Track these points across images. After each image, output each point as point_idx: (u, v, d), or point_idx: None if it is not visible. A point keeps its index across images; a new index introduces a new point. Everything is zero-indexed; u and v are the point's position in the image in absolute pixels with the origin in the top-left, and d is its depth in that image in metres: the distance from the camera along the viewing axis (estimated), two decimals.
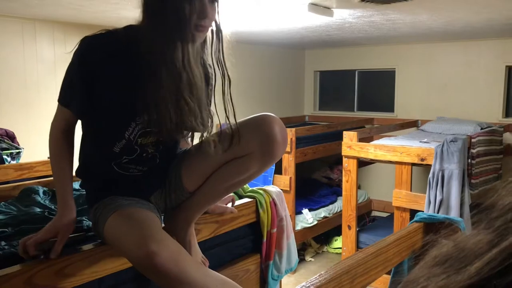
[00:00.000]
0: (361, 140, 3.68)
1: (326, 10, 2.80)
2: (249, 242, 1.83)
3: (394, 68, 5.13)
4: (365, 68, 5.39)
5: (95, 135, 1.32)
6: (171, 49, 1.15)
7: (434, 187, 3.16)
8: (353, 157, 3.60)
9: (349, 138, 3.61)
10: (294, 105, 5.76)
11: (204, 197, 1.40)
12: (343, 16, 3.10)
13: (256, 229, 1.81)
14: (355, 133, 3.61)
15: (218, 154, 1.31)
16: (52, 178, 1.81)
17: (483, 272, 0.40)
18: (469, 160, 3.36)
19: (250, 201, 1.77)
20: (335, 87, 5.86)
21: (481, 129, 3.96)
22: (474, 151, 3.39)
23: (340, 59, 5.51)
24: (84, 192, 1.50)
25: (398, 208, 3.43)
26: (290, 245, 1.88)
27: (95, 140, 1.32)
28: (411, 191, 3.41)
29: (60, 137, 1.30)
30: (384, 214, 5.08)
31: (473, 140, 3.44)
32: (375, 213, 5.32)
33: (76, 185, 1.86)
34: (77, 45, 1.23)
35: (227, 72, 1.25)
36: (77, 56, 1.22)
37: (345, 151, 3.62)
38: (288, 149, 3.93)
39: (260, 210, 1.78)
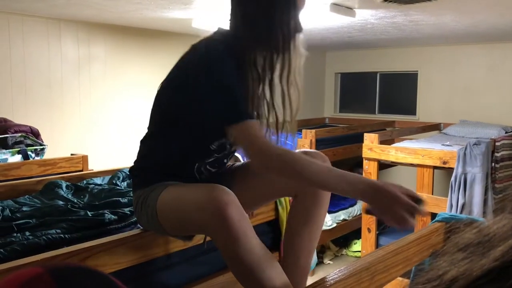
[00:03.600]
0: (382, 142, 3.64)
1: (348, 10, 2.79)
2: (268, 240, 1.83)
3: (417, 71, 5.07)
4: (387, 70, 5.34)
5: (195, 133, 1.31)
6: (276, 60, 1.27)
7: (456, 191, 3.11)
8: (374, 160, 3.56)
9: (370, 140, 3.58)
10: (314, 107, 5.74)
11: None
12: (365, 16, 3.08)
13: (275, 227, 1.81)
14: (376, 135, 3.58)
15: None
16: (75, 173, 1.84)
17: (508, 255, 0.39)
18: (493, 164, 3.29)
19: None
20: (356, 89, 5.82)
21: (506, 132, 3.88)
22: (498, 154, 3.33)
23: (361, 61, 5.47)
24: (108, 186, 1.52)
25: None
26: None
27: (192, 138, 1.32)
28: (432, 194, 3.36)
29: (280, 151, 1.20)
30: None
31: (497, 143, 3.37)
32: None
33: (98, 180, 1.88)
34: (207, 51, 1.24)
35: None
36: (219, 61, 1.22)
37: (365, 153, 3.59)
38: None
39: (279, 208, 1.78)
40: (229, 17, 1.32)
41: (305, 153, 1.36)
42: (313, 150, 1.44)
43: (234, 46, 1.26)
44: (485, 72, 4.61)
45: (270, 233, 1.82)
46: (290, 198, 1.83)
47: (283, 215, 1.78)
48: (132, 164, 1.41)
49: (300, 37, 1.33)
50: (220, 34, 1.31)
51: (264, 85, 1.30)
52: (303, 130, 4.04)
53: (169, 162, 1.35)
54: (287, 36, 1.26)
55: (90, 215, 1.42)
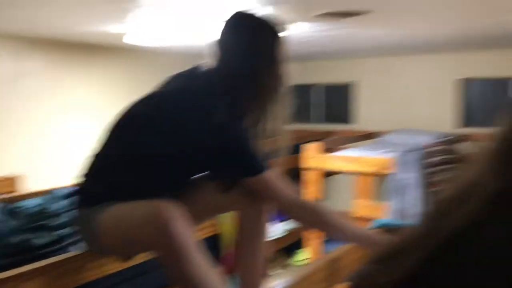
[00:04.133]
0: (323, 151, 3.72)
1: (285, 24, 2.85)
2: (209, 255, 1.81)
3: (355, 81, 5.25)
4: (326, 81, 5.49)
5: (177, 172, 1.37)
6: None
7: (394, 196, 3.22)
8: (316, 169, 3.63)
9: (313, 150, 3.65)
10: None
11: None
12: (302, 30, 3.16)
13: (216, 242, 1.79)
14: (318, 144, 3.66)
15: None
16: None
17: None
18: (428, 169, 3.45)
19: None
20: (297, 100, 5.93)
21: (439, 139, 4.09)
22: (432, 160, 3.49)
23: (301, 73, 5.59)
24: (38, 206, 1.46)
25: (359, 217, 3.48)
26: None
27: (170, 175, 1.36)
28: (372, 200, 3.47)
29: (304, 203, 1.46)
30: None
31: (430, 150, 3.54)
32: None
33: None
34: (206, 109, 1.30)
35: None
36: (225, 124, 1.29)
37: (307, 162, 3.65)
38: None
39: (220, 222, 1.77)
40: (217, 49, 1.39)
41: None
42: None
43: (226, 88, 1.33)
44: (419, 82, 4.84)
45: (212, 248, 1.80)
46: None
47: (224, 230, 1.77)
48: (75, 181, 1.36)
49: (285, 89, 1.43)
50: (207, 80, 1.36)
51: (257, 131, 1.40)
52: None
53: (128, 187, 1.31)
54: (273, 89, 1.35)
55: (17, 241, 1.35)
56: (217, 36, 1.38)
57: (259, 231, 1.45)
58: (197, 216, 1.44)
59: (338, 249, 1.33)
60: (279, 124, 1.43)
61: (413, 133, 4.36)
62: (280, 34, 1.41)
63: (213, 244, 1.82)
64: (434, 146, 3.57)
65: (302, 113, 5.85)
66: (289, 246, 4.53)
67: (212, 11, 2.47)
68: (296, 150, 4.21)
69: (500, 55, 4.36)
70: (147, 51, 4.07)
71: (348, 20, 2.73)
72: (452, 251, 0.44)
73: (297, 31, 3.18)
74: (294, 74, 5.36)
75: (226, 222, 1.80)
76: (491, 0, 2.36)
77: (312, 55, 4.87)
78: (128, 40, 3.20)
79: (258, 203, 1.42)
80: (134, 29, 3.03)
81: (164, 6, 2.35)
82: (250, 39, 1.37)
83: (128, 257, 1.39)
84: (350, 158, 3.48)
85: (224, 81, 1.33)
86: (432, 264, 0.44)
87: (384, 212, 3.27)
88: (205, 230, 1.75)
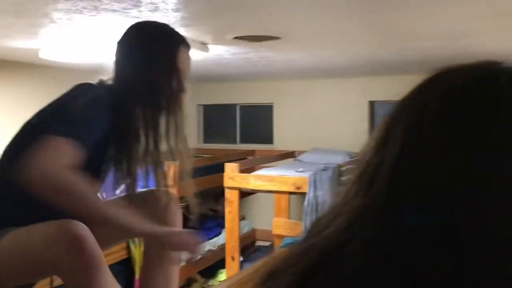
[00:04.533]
0: (242, 171, 3.77)
1: (202, 45, 2.88)
2: (122, 280, 1.76)
3: (273, 103, 5.40)
4: (246, 102, 5.60)
5: None
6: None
7: (309, 214, 3.33)
8: (235, 188, 3.66)
9: (231, 170, 3.68)
10: None
11: None
12: (219, 52, 3.21)
13: (128, 266, 1.75)
14: (237, 164, 3.70)
15: None
16: None
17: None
18: (340, 187, 3.61)
19: None
20: (219, 120, 5.98)
21: (351, 158, 4.30)
22: (344, 178, 3.66)
23: (223, 93, 5.66)
24: None
25: (278, 236, 3.55)
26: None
27: None
28: (290, 218, 3.55)
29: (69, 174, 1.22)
30: (268, 243, 5.21)
31: (342, 168, 3.71)
32: (259, 243, 5.43)
33: None
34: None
35: None
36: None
37: (227, 182, 3.67)
38: (171, 182, 3.89)
39: (132, 246, 1.73)
40: (113, 70, 1.38)
41: (153, 191, 1.38)
42: (161, 188, 1.45)
43: (118, 104, 1.29)
44: (333, 104, 5.08)
45: (124, 272, 1.76)
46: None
47: (136, 254, 1.73)
48: None
49: (184, 96, 1.41)
50: (104, 89, 1.33)
51: (148, 140, 1.34)
52: (166, 163, 4.00)
53: (25, 212, 1.24)
54: (169, 96, 1.33)
55: None
56: (116, 48, 1.37)
57: (165, 256, 1.42)
58: (105, 240, 1.40)
59: (246, 269, 1.35)
60: (181, 135, 1.42)
61: (327, 152, 4.55)
62: (179, 41, 1.39)
63: (124, 268, 1.77)
64: (346, 165, 3.75)
65: (224, 133, 5.90)
66: (210, 267, 4.50)
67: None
68: (220, 169, 4.24)
69: (401, 80, 4.71)
70: (63, 68, 3.92)
71: (262, 44, 2.83)
72: (318, 271, 0.45)
73: (214, 53, 3.23)
74: (215, 95, 5.37)
75: (138, 246, 1.76)
76: (390, 30, 2.56)
77: (233, 76, 4.95)
78: (43, 55, 3.06)
79: (166, 227, 1.40)
80: (49, 45, 2.91)
81: (75, 22, 2.28)
82: (144, 49, 1.35)
83: (29, 285, 1.31)
84: (267, 177, 3.55)
85: (118, 95, 1.31)
86: (304, 284, 0.45)
87: (301, 230, 3.36)
88: (117, 253, 1.70)
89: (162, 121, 1.36)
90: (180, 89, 1.40)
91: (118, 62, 1.37)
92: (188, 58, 1.43)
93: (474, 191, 0.42)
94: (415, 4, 2.01)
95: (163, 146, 1.41)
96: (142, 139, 1.34)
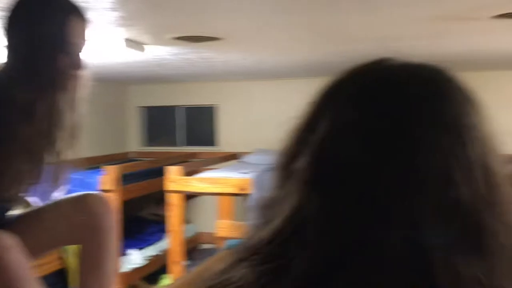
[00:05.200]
0: (186, 174, 3.72)
1: (140, 45, 2.81)
2: None
3: (216, 104, 5.37)
4: (189, 104, 5.54)
5: None
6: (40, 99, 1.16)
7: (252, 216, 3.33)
8: (178, 191, 3.61)
9: (173, 173, 3.62)
10: (118, 142, 5.58)
11: None
12: (160, 52, 3.15)
13: (63, 277, 1.67)
14: (179, 167, 3.64)
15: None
16: None
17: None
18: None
19: None
20: (161, 122, 5.87)
21: None
22: None
23: (165, 95, 5.57)
24: None
25: (222, 238, 3.53)
26: None
27: None
28: (235, 220, 3.55)
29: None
30: (213, 246, 5.18)
31: None
32: (204, 246, 5.38)
33: None
34: None
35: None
36: None
37: (169, 185, 3.61)
38: (111, 187, 3.77)
39: (66, 256, 1.65)
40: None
41: (80, 198, 1.31)
42: (91, 192, 1.39)
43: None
44: (274, 105, 5.13)
45: (58, 284, 1.68)
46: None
47: (70, 263, 1.66)
48: None
49: (83, 73, 1.29)
50: None
51: (25, 134, 1.18)
52: (107, 167, 3.88)
53: None
54: (61, 74, 1.21)
55: None
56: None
57: (100, 264, 1.37)
58: (36, 248, 1.33)
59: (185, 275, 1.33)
60: (73, 120, 1.25)
61: (271, 153, 4.57)
62: (68, 10, 1.21)
63: (59, 279, 1.68)
64: None
65: (167, 136, 5.80)
66: (154, 273, 4.40)
67: None
68: (161, 172, 4.16)
69: None
70: None
71: (202, 44, 2.80)
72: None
73: (155, 54, 3.16)
74: (157, 96, 5.29)
75: (73, 255, 1.68)
76: (325, 33, 2.62)
77: (175, 78, 4.87)
78: None
79: (99, 235, 1.34)
80: None
81: None
82: (23, 20, 1.18)
83: None
84: (210, 180, 3.53)
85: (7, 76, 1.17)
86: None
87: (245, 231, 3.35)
88: (50, 264, 1.62)
89: (45, 106, 1.18)
90: (72, 67, 1.21)
91: (9, 35, 1.21)
92: (82, 30, 1.24)
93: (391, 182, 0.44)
94: (348, 9, 2.06)
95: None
96: (19, 132, 1.16)
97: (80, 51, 1.25)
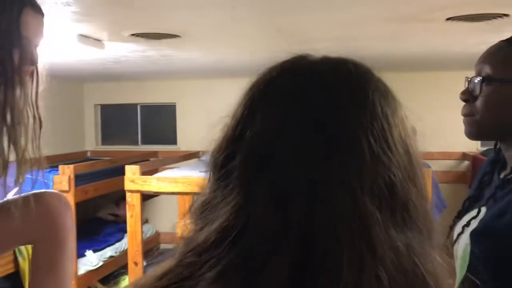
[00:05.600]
0: (146, 173, 3.65)
1: (97, 42, 2.74)
2: None
3: (175, 103, 5.31)
4: (148, 102, 5.45)
5: None
6: None
7: None
8: (137, 191, 3.54)
9: (132, 172, 3.55)
10: (74, 141, 5.42)
11: None
12: (117, 49, 3.08)
13: (16, 280, 1.60)
14: (138, 166, 3.57)
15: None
16: None
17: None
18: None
19: None
20: (118, 121, 5.76)
21: None
22: None
23: (122, 93, 5.45)
24: None
25: (182, 238, 3.49)
26: None
27: None
28: None
29: None
30: (173, 246, 5.12)
31: None
32: (164, 246, 5.31)
33: None
34: None
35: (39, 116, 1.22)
36: None
37: (128, 185, 3.53)
38: (66, 187, 3.66)
39: (20, 258, 1.58)
40: None
41: (36, 195, 1.25)
42: (49, 190, 1.33)
43: None
44: (234, 104, 5.12)
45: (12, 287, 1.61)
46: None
47: (25, 266, 1.60)
48: None
49: (39, 69, 1.24)
50: None
51: None
52: (60, 166, 3.76)
53: None
54: (10, 69, 1.15)
55: None
56: None
57: (57, 265, 1.31)
58: None
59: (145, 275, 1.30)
60: (18, 117, 1.17)
61: None
62: (21, 3, 1.15)
63: (13, 282, 1.62)
64: None
65: (124, 134, 5.68)
66: (112, 274, 4.31)
67: None
68: (121, 172, 4.06)
69: None
70: None
71: (161, 42, 2.76)
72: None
73: (111, 51, 3.09)
74: (114, 94, 5.17)
75: (27, 257, 1.62)
76: (284, 32, 2.64)
77: (133, 75, 4.78)
78: None
79: (57, 234, 1.29)
80: None
81: None
82: None
83: None
84: (170, 179, 3.48)
85: None
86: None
87: None
88: (3, 267, 1.55)
89: None
90: (27, 62, 1.16)
91: None
92: (38, 24, 1.20)
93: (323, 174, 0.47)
94: (305, 9, 2.08)
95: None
96: None
97: (36, 46, 1.21)
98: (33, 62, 1.19)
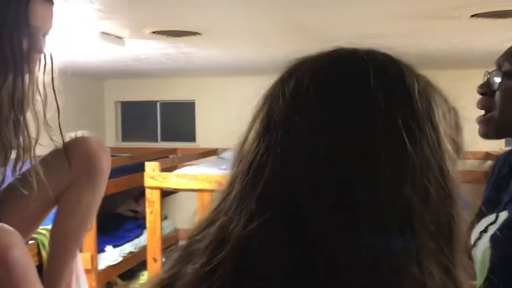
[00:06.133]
0: (164, 170, 3.68)
1: (118, 39, 2.77)
2: None
3: (194, 100, 5.34)
4: (167, 99, 5.49)
5: None
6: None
7: None
8: (156, 188, 3.57)
9: (151, 169, 3.58)
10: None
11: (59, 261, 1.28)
12: (137, 47, 3.10)
13: (40, 274, 1.63)
14: (157, 163, 3.60)
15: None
16: None
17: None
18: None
19: (31, 244, 1.60)
20: (138, 118, 5.81)
21: None
22: None
23: (142, 90, 5.50)
24: None
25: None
26: (81, 286, 1.74)
27: None
28: None
29: None
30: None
31: None
32: (183, 243, 5.35)
33: None
34: None
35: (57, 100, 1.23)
36: None
37: (147, 182, 3.57)
38: None
39: (43, 252, 1.61)
40: None
41: (78, 140, 1.28)
42: (89, 136, 1.35)
43: None
44: (253, 101, 5.12)
45: None
46: None
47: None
48: None
49: (47, 57, 1.23)
50: None
51: None
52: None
53: None
54: (19, 57, 1.15)
55: None
56: None
57: (81, 207, 1.29)
58: (26, 227, 1.27)
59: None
60: (28, 104, 1.17)
61: None
62: None
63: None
64: None
65: (144, 131, 5.73)
66: (131, 270, 4.36)
67: None
68: (140, 168, 4.10)
69: None
70: None
71: (181, 39, 2.77)
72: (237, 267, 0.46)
73: (133, 48, 3.11)
74: (135, 91, 5.20)
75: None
76: (304, 30, 2.63)
77: (153, 73, 4.82)
78: None
79: (95, 177, 1.29)
80: None
81: None
82: None
83: None
84: (190, 176, 3.50)
85: None
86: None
87: None
88: None
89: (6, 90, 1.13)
90: (34, 49, 1.16)
91: None
92: (47, 12, 1.19)
93: (367, 169, 0.44)
94: (327, 6, 2.07)
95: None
96: None
97: (44, 34, 1.21)
98: (41, 50, 1.19)
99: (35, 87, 1.20)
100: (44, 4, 1.18)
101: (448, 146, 0.47)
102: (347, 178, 0.44)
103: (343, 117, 0.46)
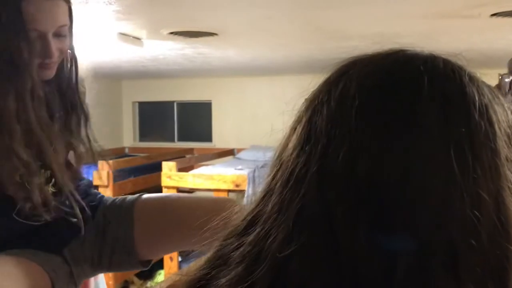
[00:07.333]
0: (181, 170, 3.70)
1: (136, 40, 2.80)
2: None
3: (211, 100, 5.36)
4: (184, 99, 5.52)
5: None
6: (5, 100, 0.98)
7: None
8: (173, 187, 3.59)
9: (168, 168, 3.61)
10: (112, 137, 5.55)
11: None
12: (155, 47, 3.13)
13: None
14: (174, 163, 3.63)
15: None
16: None
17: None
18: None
19: None
20: (155, 118, 5.86)
21: None
22: None
23: (159, 90, 5.55)
24: None
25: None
26: (99, 285, 1.76)
27: None
28: None
29: None
30: None
31: None
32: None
33: None
34: None
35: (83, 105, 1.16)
36: None
37: (164, 181, 3.60)
38: (105, 183, 3.76)
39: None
40: None
41: (224, 200, 1.25)
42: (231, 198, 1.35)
43: None
44: (269, 101, 5.13)
45: None
46: None
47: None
48: None
49: (60, 61, 1.13)
50: None
51: None
52: (100, 162, 3.86)
53: None
54: (21, 64, 0.99)
55: None
56: None
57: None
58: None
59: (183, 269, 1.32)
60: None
61: (265, 150, 4.54)
62: None
63: None
64: None
65: (161, 131, 5.78)
66: (149, 268, 4.39)
67: None
68: (157, 168, 4.14)
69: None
70: None
71: (198, 40, 2.79)
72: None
73: (150, 49, 3.14)
74: (152, 92, 5.24)
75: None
76: (322, 30, 2.62)
77: (170, 73, 4.85)
78: None
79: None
80: None
81: None
82: None
83: None
84: (206, 176, 3.52)
85: None
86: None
87: None
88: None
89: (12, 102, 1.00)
90: (38, 55, 1.03)
91: None
92: (44, 11, 1.04)
93: (409, 182, 0.40)
94: (344, 5, 2.06)
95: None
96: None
97: (59, 34, 1.06)
98: (49, 54, 1.06)
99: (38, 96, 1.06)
100: (39, 2, 1.04)
101: (508, 173, 0.42)
102: (385, 204, 0.40)
103: (387, 136, 0.42)
